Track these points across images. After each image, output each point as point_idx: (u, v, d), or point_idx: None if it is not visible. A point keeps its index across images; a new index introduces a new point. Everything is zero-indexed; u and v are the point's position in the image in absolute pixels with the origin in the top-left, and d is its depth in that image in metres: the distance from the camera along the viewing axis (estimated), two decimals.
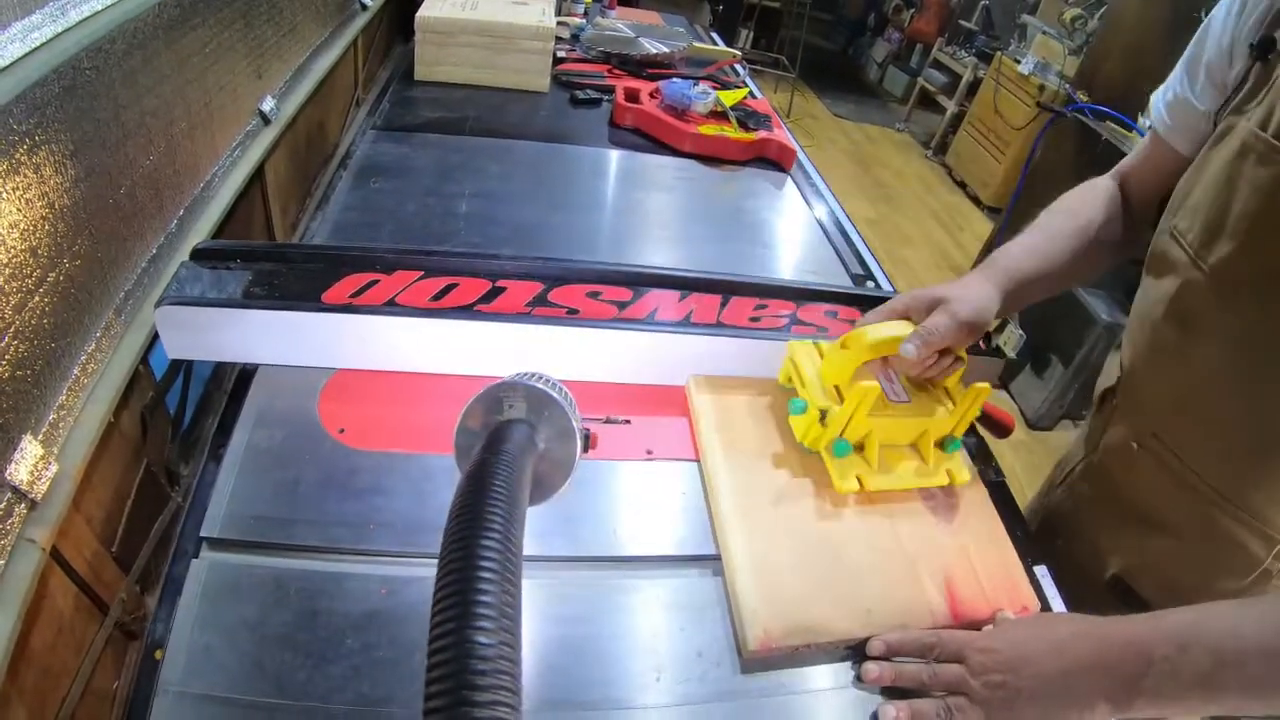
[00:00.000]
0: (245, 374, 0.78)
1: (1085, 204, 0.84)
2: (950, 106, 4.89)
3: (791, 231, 1.27)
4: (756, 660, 0.62)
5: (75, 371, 0.65)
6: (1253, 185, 0.63)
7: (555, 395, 0.43)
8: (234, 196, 0.96)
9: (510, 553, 0.30)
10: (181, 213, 0.86)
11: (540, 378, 0.45)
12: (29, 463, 0.56)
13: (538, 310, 0.78)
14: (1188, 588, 0.79)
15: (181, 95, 0.84)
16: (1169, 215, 0.75)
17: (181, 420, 0.86)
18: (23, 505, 0.55)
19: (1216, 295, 0.67)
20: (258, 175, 1.09)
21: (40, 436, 0.59)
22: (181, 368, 0.84)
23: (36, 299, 0.59)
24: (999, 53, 4.31)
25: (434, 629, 0.28)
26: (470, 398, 0.44)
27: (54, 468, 0.58)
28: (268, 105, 1.10)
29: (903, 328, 0.72)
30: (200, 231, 0.87)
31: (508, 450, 0.37)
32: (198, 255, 0.78)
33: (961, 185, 4.67)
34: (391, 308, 0.76)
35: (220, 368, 0.87)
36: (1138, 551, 0.83)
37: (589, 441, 0.47)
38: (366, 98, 1.59)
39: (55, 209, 0.61)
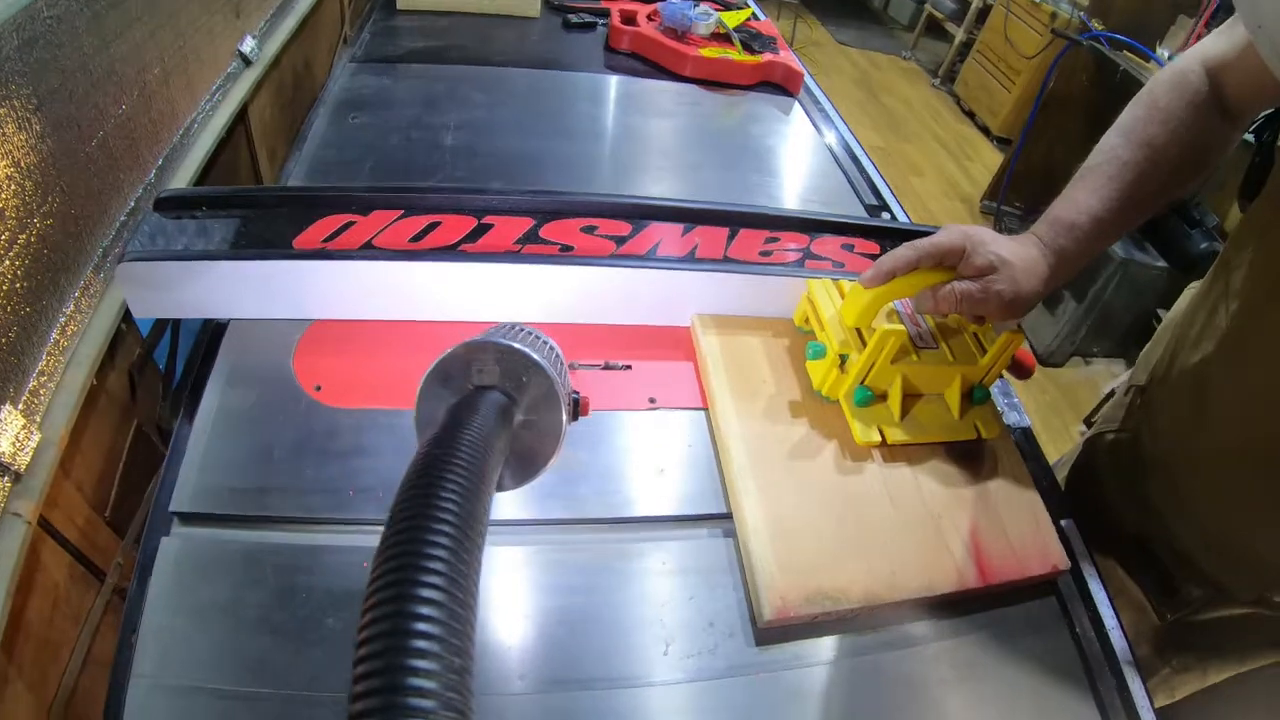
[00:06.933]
0: (219, 329, 0.72)
1: (1168, 128, 0.67)
2: (959, 34, 4.71)
3: (800, 159, 1.19)
4: (773, 630, 0.57)
5: (54, 335, 0.62)
6: None
7: (535, 355, 0.36)
8: (215, 142, 0.92)
9: (461, 579, 0.24)
10: (160, 162, 0.82)
11: (520, 332, 0.38)
12: (10, 434, 0.53)
13: (528, 248, 0.71)
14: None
15: (154, 39, 0.79)
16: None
17: (172, 376, 0.81)
18: (5, 479, 0.52)
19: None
20: (240, 119, 1.05)
21: (20, 406, 0.56)
22: (169, 322, 0.79)
23: (6, 264, 0.56)
24: None
25: (358, 671, 0.22)
26: (431, 363, 0.37)
27: (37, 437, 0.56)
28: (248, 46, 1.05)
29: (936, 276, 0.65)
30: (180, 181, 0.83)
31: (465, 435, 0.30)
32: (161, 205, 0.72)
33: (970, 115, 4.52)
34: (369, 250, 0.70)
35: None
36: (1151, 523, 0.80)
37: (579, 407, 0.41)
38: (354, 34, 1.50)
39: (21, 167, 0.57)
